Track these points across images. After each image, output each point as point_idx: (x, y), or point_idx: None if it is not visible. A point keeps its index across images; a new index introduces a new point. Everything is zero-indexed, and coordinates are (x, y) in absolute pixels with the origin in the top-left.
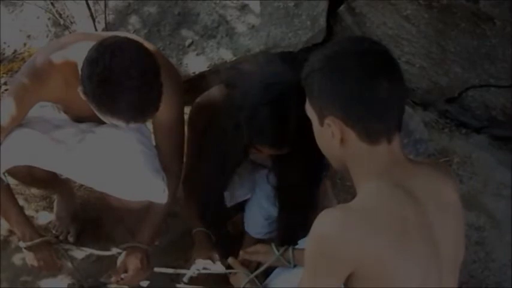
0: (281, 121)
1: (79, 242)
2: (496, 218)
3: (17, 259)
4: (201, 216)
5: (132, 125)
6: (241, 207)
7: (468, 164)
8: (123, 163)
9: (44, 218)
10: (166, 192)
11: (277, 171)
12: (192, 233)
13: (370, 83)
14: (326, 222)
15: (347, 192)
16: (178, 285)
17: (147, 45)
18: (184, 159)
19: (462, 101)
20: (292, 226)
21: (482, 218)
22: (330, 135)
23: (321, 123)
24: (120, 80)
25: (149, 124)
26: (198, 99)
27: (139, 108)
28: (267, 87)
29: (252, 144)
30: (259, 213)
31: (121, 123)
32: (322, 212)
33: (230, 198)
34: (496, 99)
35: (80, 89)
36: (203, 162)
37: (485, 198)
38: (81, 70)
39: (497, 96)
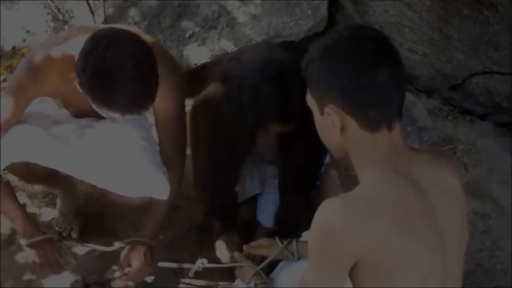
0: (285, 95)
1: (82, 238)
2: (502, 205)
3: (20, 257)
4: (214, 214)
5: (128, 117)
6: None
7: (473, 152)
8: (124, 159)
9: (47, 214)
10: (168, 187)
11: (281, 152)
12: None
13: (369, 70)
14: (328, 211)
15: (352, 183)
16: (183, 280)
17: (145, 37)
18: (192, 164)
19: (466, 88)
20: (293, 209)
21: (488, 206)
22: (331, 124)
23: (321, 112)
24: (114, 71)
25: (150, 116)
26: (195, 100)
27: (134, 100)
28: (267, 64)
29: (258, 125)
30: (270, 201)
31: (117, 116)
32: (324, 201)
33: (242, 194)
34: (499, 85)
35: (76, 82)
36: (211, 162)
37: (490, 185)
38: (76, 62)
39: (501, 83)
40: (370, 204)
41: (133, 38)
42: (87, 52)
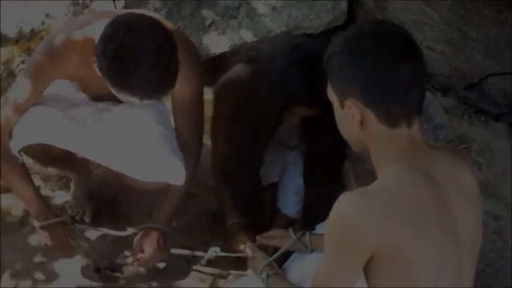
0: (313, 79)
1: (95, 222)
2: None
3: (33, 240)
4: (237, 199)
5: (146, 102)
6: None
7: (487, 152)
8: (140, 143)
9: (60, 197)
10: (184, 173)
11: (307, 137)
12: (228, 225)
13: (391, 65)
14: (346, 204)
15: (367, 177)
16: (195, 267)
17: (166, 23)
18: (211, 150)
19: (482, 87)
20: (318, 200)
21: (500, 207)
22: (350, 117)
23: (342, 106)
24: (135, 55)
25: (168, 102)
26: (220, 80)
27: (153, 85)
28: (294, 48)
29: (285, 108)
30: (291, 190)
31: (135, 100)
32: (342, 195)
33: (264, 180)
34: None
35: (95, 65)
36: (235, 144)
37: (503, 186)
38: (96, 45)
39: None
40: (387, 199)
41: (155, 23)
42: (107, 36)
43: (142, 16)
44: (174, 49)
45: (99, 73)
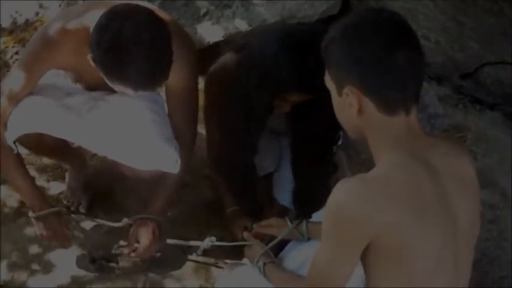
0: (305, 65)
1: (90, 213)
2: (510, 196)
3: (28, 231)
4: (232, 188)
5: (141, 93)
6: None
7: (482, 141)
8: (135, 131)
9: (55, 188)
10: (179, 162)
11: (294, 122)
12: (226, 213)
13: (388, 52)
14: (344, 191)
15: (361, 165)
16: (190, 257)
17: (160, 13)
18: (206, 140)
19: (477, 77)
20: (309, 187)
21: (496, 196)
22: (348, 105)
23: (339, 93)
24: (129, 46)
25: (163, 92)
26: (211, 69)
27: (148, 76)
28: (286, 35)
29: (277, 94)
30: (285, 177)
31: (129, 91)
32: (340, 181)
33: (259, 170)
34: (511, 76)
35: (89, 56)
36: (227, 132)
37: (499, 176)
38: (91, 36)
39: None
40: (385, 186)
41: (149, 14)
42: (102, 27)
43: (137, 7)
44: (168, 40)
45: (92, 64)
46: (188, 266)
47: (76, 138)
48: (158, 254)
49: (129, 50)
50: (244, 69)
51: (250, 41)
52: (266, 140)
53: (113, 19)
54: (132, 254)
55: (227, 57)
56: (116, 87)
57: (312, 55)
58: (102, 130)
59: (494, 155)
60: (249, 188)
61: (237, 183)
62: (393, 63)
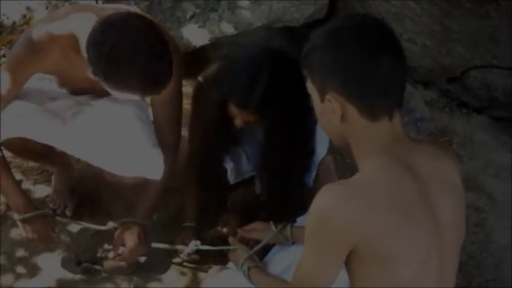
0: (248, 80)
1: (76, 216)
2: (496, 199)
3: (14, 234)
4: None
5: (147, 96)
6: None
7: (468, 145)
8: (119, 138)
9: (41, 191)
10: (162, 167)
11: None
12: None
13: (371, 58)
14: (327, 197)
15: (347, 170)
16: (175, 261)
17: (147, 16)
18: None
19: (463, 81)
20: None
21: (482, 199)
22: (331, 111)
23: (322, 100)
24: (130, 56)
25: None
26: (198, 78)
27: (152, 80)
28: (246, 50)
29: (224, 107)
30: None
31: (136, 97)
32: (324, 187)
33: (236, 174)
34: (497, 80)
35: (89, 70)
36: (192, 142)
37: (485, 179)
38: (87, 52)
39: (499, 77)
40: (369, 192)
41: (142, 19)
42: (97, 40)
43: (128, 15)
44: (165, 42)
45: (93, 77)
46: (173, 270)
47: (59, 144)
48: (143, 258)
49: (130, 60)
50: (209, 82)
51: (228, 52)
52: (246, 144)
53: (108, 31)
54: (118, 258)
55: (212, 67)
56: (123, 96)
57: (259, 74)
58: (87, 136)
59: (480, 159)
60: (220, 192)
61: (209, 187)
62: (377, 69)
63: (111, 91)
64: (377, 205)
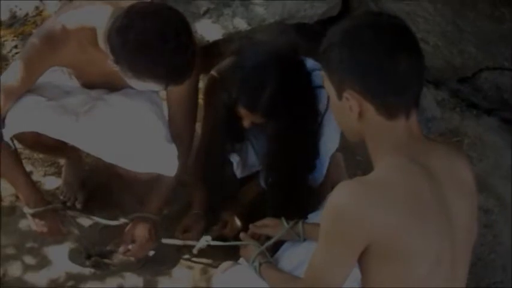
0: (256, 85)
1: (86, 209)
2: (505, 201)
3: (23, 225)
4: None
5: (171, 87)
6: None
7: (478, 146)
8: (132, 134)
9: (51, 183)
10: (176, 164)
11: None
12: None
13: (390, 57)
14: (343, 194)
15: (358, 167)
16: (185, 257)
17: None
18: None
19: (474, 81)
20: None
21: (491, 201)
22: (348, 109)
23: (339, 97)
24: (157, 44)
25: (162, 92)
26: (211, 72)
27: (178, 71)
28: (259, 51)
29: (233, 104)
30: None
31: (159, 88)
32: (340, 184)
33: (243, 168)
34: (509, 82)
35: (111, 60)
36: (203, 136)
37: (494, 181)
38: (109, 40)
39: (511, 79)
40: (384, 190)
41: (168, 8)
42: (123, 28)
43: (154, 4)
44: (191, 33)
45: (115, 67)
46: (182, 265)
47: (72, 140)
48: (152, 253)
49: (157, 47)
50: (223, 77)
51: (240, 49)
52: (253, 138)
53: (135, 18)
54: (127, 253)
55: (225, 62)
56: (144, 85)
57: (268, 76)
58: (100, 133)
59: (490, 160)
60: (226, 187)
61: (213, 181)
62: (395, 68)
63: (132, 81)
64: (392, 203)
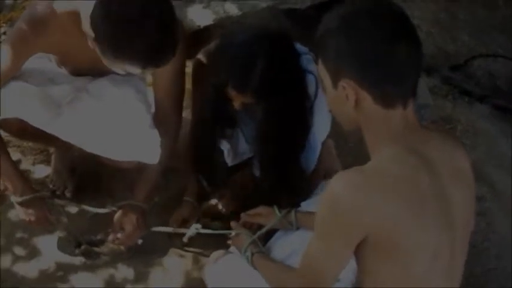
0: (245, 64)
1: (76, 197)
2: (498, 188)
3: (13, 215)
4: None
5: (148, 69)
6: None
7: (471, 133)
8: (114, 122)
9: (40, 171)
10: (158, 152)
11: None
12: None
13: (387, 46)
14: (340, 184)
15: (350, 154)
16: (175, 245)
17: None
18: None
19: (467, 68)
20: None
21: (484, 189)
22: (344, 97)
23: (335, 86)
24: (139, 18)
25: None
26: (197, 55)
27: (158, 50)
28: (242, 33)
29: (221, 88)
30: None
31: (135, 70)
32: (337, 174)
33: (234, 155)
34: (502, 69)
35: (90, 37)
36: (194, 118)
37: (487, 168)
38: (92, 13)
39: (504, 66)
40: (382, 180)
41: None
42: (106, 1)
43: None
44: (174, 14)
45: (92, 45)
46: (174, 254)
47: (54, 131)
48: (140, 241)
49: (138, 23)
50: (211, 59)
51: (228, 32)
52: (243, 125)
53: None
54: (117, 242)
55: (211, 45)
56: (122, 66)
57: (257, 57)
58: (82, 124)
59: (482, 147)
60: (216, 172)
61: (204, 167)
62: (392, 57)
63: (111, 62)
64: (390, 193)
